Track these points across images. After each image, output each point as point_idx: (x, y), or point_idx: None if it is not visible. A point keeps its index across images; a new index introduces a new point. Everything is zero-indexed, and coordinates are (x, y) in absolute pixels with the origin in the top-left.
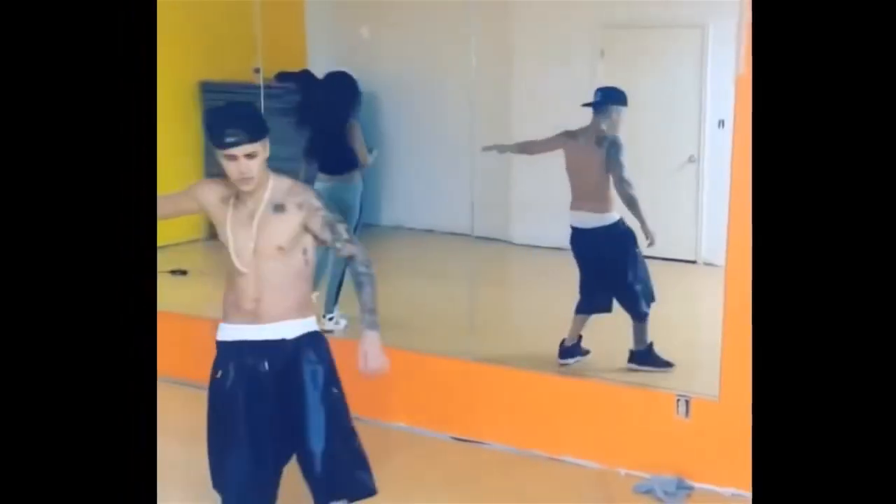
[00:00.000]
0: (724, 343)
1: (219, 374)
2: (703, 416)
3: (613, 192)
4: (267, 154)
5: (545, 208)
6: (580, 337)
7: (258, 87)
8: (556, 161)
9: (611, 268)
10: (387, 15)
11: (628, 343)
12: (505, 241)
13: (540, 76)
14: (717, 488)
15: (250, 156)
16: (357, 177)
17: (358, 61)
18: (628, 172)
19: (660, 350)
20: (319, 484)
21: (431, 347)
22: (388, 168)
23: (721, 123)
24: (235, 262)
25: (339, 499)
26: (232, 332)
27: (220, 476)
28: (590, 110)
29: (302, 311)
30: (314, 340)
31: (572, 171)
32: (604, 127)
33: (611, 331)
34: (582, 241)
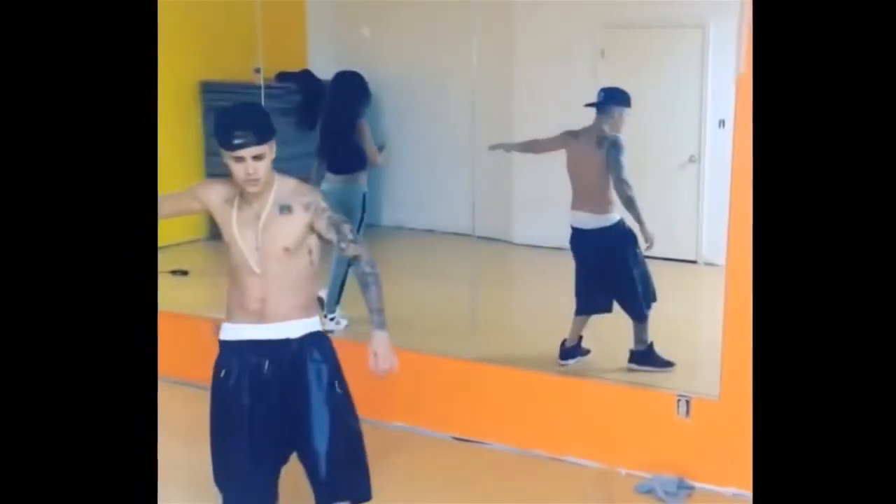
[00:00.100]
0: (724, 343)
1: (222, 374)
2: (703, 415)
3: (614, 193)
4: (273, 155)
5: (546, 208)
6: (580, 337)
7: (259, 87)
8: (557, 161)
9: (611, 269)
10: (388, 15)
11: (628, 343)
12: (506, 242)
13: (541, 76)
14: (718, 488)
15: (258, 157)
16: (363, 178)
17: (359, 61)
18: (627, 173)
19: (660, 350)
20: (322, 485)
21: (432, 347)
22: (389, 168)
23: (721, 123)
24: (250, 262)
25: (341, 500)
26: (236, 331)
27: (222, 474)
28: (592, 110)
29: (307, 311)
30: (318, 340)
31: (573, 171)
32: (606, 127)
33: (611, 331)
34: (582, 241)
